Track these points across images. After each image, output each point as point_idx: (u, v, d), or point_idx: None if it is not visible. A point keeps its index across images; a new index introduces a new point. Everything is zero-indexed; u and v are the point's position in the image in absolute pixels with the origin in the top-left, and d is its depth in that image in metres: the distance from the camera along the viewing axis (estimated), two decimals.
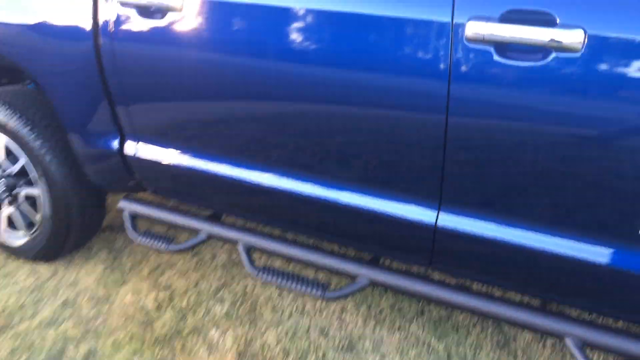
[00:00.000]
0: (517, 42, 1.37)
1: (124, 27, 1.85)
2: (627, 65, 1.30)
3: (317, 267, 2.05)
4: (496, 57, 1.40)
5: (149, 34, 1.82)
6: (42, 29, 1.99)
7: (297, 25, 1.61)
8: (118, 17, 1.85)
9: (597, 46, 1.31)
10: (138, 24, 1.83)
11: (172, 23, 1.77)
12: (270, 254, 2.12)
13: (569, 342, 1.72)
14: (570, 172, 1.45)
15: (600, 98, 1.34)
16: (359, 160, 1.73)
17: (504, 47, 1.39)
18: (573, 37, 1.32)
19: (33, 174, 2.29)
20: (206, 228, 2.19)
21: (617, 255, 1.53)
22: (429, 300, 1.90)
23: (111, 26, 1.87)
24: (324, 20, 1.57)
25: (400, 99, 1.55)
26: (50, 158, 2.22)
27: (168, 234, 2.68)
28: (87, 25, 1.91)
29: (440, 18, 1.44)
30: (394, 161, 1.67)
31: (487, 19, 1.38)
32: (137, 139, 2.10)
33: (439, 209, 1.69)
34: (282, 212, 2.02)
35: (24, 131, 2.20)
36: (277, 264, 2.55)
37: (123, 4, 1.84)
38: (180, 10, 1.75)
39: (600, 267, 1.55)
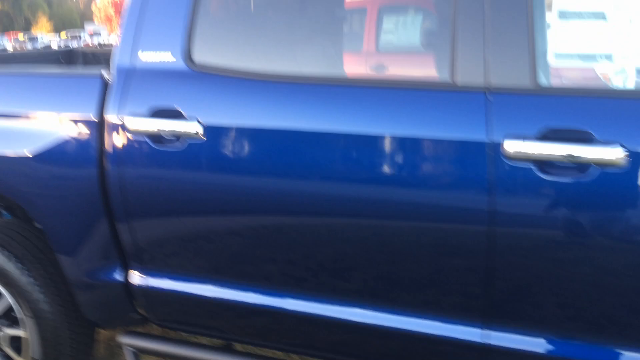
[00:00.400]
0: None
1: (136, 154, 1.80)
2: None
3: None
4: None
5: (163, 161, 1.77)
6: (38, 157, 1.92)
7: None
8: (129, 144, 1.80)
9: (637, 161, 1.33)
10: (151, 151, 1.77)
11: (189, 150, 1.72)
12: None
13: None
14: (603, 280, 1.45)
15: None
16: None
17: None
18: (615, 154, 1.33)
19: (20, 314, 2.08)
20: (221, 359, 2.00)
21: None
22: None
23: (120, 153, 1.81)
24: (366, 146, 1.56)
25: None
26: (40, 295, 2.02)
27: None
28: (92, 152, 1.85)
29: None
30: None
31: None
32: (145, 267, 1.97)
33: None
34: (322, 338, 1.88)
35: (8, 267, 2.03)
36: None
37: (134, 133, 1.78)
38: (198, 137, 1.70)
39: None
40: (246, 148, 1.68)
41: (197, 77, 1.75)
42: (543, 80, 1.48)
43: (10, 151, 1.95)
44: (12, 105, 1.99)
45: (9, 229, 2.17)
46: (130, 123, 1.77)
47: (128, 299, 2.03)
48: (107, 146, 1.82)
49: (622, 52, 1.50)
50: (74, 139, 1.87)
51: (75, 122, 1.87)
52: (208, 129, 1.69)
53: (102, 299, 2.06)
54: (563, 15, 1.51)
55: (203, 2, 1.78)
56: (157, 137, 1.75)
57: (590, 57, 1.53)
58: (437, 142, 1.51)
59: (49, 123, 1.91)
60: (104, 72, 1.88)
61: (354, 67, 2.75)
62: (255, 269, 1.80)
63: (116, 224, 1.90)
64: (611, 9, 1.51)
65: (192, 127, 1.70)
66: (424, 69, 2.70)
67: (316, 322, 1.78)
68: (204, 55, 1.79)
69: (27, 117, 1.96)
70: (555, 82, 1.61)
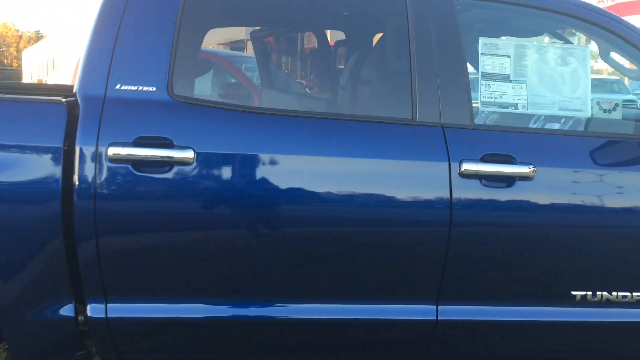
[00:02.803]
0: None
1: (115, 182, 1.86)
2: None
3: None
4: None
5: (147, 187, 1.89)
6: None
7: None
8: (108, 172, 1.85)
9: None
10: (133, 178, 1.86)
11: (177, 175, 1.87)
12: None
13: None
14: None
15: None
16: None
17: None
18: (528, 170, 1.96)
19: None
20: None
21: None
22: None
23: (95, 182, 1.84)
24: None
25: None
26: None
27: None
28: (54, 182, 1.84)
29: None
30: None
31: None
32: (113, 297, 1.95)
33: None
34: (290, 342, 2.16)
35: None
36: None
37: (114, 160, 1.84)
38: (191, 163, 1.87)
39: None
40: (231, 173, 1.92)
41: (180, 107, 1.94)
42: (478, 121, 2.09)
43: None
44: None
45: None
46: (111, 151, 1.82)
47: (78, 336, 2.00)
48: (77, 175, 1.83)
49: (522, 103, 2.19)
50: (34, 168, 1.84)
51: (37, 151, 1.85)
52: (200, 155, 1.87)
53: (47, 339, 1.99)
54: (485, 76, 2.16)
55: (180, 51, 2.00)
56: (139, 164, 1.85)
57: (503, 105, 2.19)
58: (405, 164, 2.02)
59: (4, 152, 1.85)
60: (64, 101, 1.91)
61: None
62: (237, 284, 2.02)
63: (79, 256, 1.88)
64: (512, 74, 2.18)
65: (181, 152, 1.86)
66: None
67: (295, 323, 2.07)
68: (182, 89, 2.04)
69: None
70: (480, 121, 2.24)
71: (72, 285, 1.94)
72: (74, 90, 2.02)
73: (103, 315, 1.94)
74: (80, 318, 1.96)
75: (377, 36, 2.99)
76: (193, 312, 1.99)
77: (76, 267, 1.91)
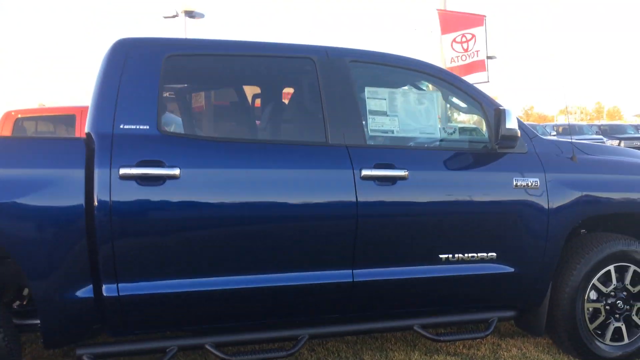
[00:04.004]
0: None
1: (126, 192, 2.63)
2: None
3: (267, 341, 3.04)
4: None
5: (150, 195, 2.66)
6: (25, 203, 2.52)
7: None
8: (120, 186, 2.61)
9: None
10: (139, 189, 2.64)
11: (168, 185, 2.68)
12: (233, 344, 2.98)
13: None
14: None
15: None
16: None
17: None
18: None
19: None
20: (175, 343, 2.89)
21: None
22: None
23: (110, 195, 2.59)
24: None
25: None
26: None
27: None
28: (79, 196, 2.57)
29: None
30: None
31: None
32: (124, 279, 2.66)
33: None
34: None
35: None
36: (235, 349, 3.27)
37: (123, 178, 2.62)
38: (178, 177, 2.69)
39: None
40: (207, 183, 2.76)
41: (166, 139, 2.79)
42: (369, 142, 3.09)
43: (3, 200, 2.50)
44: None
45: None
46: (121, 171, 2.61)
47: (96, 312, 2.68)
48: (97, 189, 2.58)
49: (396, 129, 3.24)
50: (63, 188, 2.56)
51: (66, 173, 2.59)
52: (183, 171, 2.70)
53: (71, 317, 2.65)
54: (371, 112, 3.19)
55: (161, 101, 2.87)
56: (141, 179, 2.65)
57: (384, 131, 3.22)
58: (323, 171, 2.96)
59: (40, 176, 2.56)
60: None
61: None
62: (218, 263, 2.82)
63: (98, 250, 2.60)
64: (387, 111, 3.24)
65: (170, 170, 2.68)
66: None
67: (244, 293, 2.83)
68: (168, 126, 2.88)
69: (21, 172, 2.57)
70: (371, 142, 3.24)
71: (91, 272, 2.64)
72: (86, 130, 2.78)
73: (115, 294, 2.65)
74: (97, 296, 2.64)
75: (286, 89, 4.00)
76: (178, 287, 2.75)
77: (95, 258, 2.62)
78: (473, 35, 11.23)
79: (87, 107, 7.86)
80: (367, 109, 3.21)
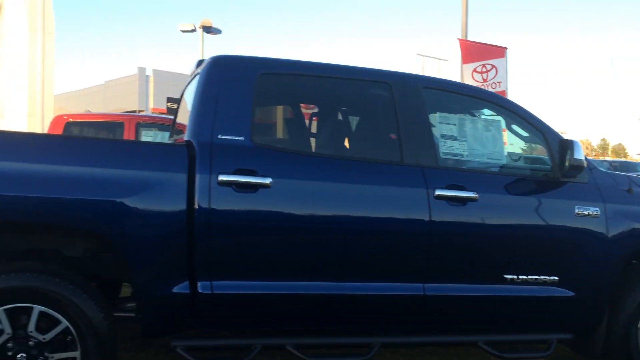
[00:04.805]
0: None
1: (223, 198, 2.81)
2: None
3: (342, 346, 3.16)
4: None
5: (243, 201, 2.84)
6: (133, 202, 2.68)
7: None
8: (217, 191, 2.79)
9: None
10: (235, 195, 2.82)
11: (264, 195, 2.86)
12: (311, 346, 3.12)
13: None
14: None
15: None
16: None
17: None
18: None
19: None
20: (260, 341, 3.03)
21: None
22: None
23: (209, 197, 2.77)
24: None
25: None
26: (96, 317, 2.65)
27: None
28: (181, 198, 2.75)
29: None
30: None
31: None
32: (218, 278, 2.83)
33: None
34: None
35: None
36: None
37: (221, 184, 2.81)
38: (270, 186, 2.86)
39: None
40: (297, 193, 2.95)
41: (259, 150, 2.95)
42: (441, 164, 3.24)
43: (111, 197, 2.67)
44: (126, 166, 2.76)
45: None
46: (220, 178, 2.80)
47: (190, 307, 2.84)
48: (197, 193, 2.76)
49: (465, 153, 3.39)
50: (167, 190, 2.75)
51: (169, 178, 2.76)
52: (274, 180, 2.88)
53: (168, 310, 2.84)
54: (443, 136, 3.34)
55: (254, 115, 3.05)
56: (238, 186, 2.83)
57: (455, 155, 3.38)
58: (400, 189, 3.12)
59: (147, 177, 2.73)
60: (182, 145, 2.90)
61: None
62: (300, 269, 2.97)
63: (195, 249, 2.77)
64: (457, 135, 3.40)
65: (263, 179, 2.86)
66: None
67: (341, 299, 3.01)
68: (259, 138, 3.04)
69: (130, 173, 2.74)
70: (442, 164, 3.39)
71: (188, 269, 2.78)
72: (186, 137, 2.95)
73: (209, 291, 2.80)
74: (192, 292, 2.78)
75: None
76: (266, 288, 2.90)
77: (192, 256, 2.77)
78: (493, 66, 11.50)
79: (135, 116, 8.14)
80: (440, 132, 3.37)
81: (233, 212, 2.83)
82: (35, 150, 2.72)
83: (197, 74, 3.45)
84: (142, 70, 36.47)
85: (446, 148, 3.38)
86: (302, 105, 3.66)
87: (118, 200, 2.66)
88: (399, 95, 3.28)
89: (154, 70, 37.27)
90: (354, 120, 3.83)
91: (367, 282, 3.07)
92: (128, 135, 6.89)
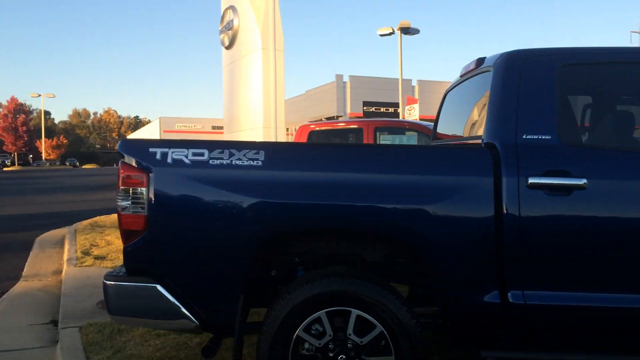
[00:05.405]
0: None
1: (533, 202, 2.62)
2: None
3: None
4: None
5: (556, 205, 2.62)
6: (437, 208, 2.63)
7: None
8: (527, 195, 2.61)
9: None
10: (546, 199, 2.62)
11: (578, 198, 2.62)
12: None
13: None
14: None
15: None
16: None
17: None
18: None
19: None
20: (575, 357, 2.73)
21: None
22: None
23: (518, 203, 2.61)
24: None
25: None
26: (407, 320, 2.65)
27: None
28: (489, 203, 2.63)
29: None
30: None
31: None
32: (529, 288, 2.65)
33: None
34: None
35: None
36: None
37: (531, 187, 2.62)
38: (585, 188, 2.60)
39: None
40: (618, 197, 2.62)
41: (570, 149, 2.71)
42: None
43: (416, 204, 2.65)
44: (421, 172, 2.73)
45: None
46: (530, 180, 2.62)
47: (499, 318, 2.66)
48: (505, 197, 2.60)
49: None
50: (472, 195, 2.62)
51: (474, 182, 2.64)
52: (589, 181, 2.61)
53: (477, 320, 2.70)
54: None
55: (560, 111, 2.79)
56: (549, 189, 2.61)
57: None
58: None
59: (452, 183, 2.65)
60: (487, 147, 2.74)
61: None
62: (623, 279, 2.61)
63: (505, 252, 2.60)
64: None
65: (578, 181, 2.61)
66: None
67: None
68: (567, 136, 2.76)
69: (432, 179, 2.68)
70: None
71: (497, 278, 2.65)
72: (485, 139, 2.82)
73: (522, 301, 2.63)
74: (502, 302, 2.63)
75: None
76: (581, 300, 2.63)
77: (501, 263, 2.63)
78: None
79: (372, 121, 8.42)
80: None
81: (545, 217, 2.63)
82: (353, 161, 2.77)
83: (475, 73, 3.32)
84: (339, 77, 38.12)
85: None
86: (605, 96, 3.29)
87: (423, 207, 2.64)
88: None
89: (350, 77, 38.72)
90: None
91: None
92: (367, 139, 7.11)
